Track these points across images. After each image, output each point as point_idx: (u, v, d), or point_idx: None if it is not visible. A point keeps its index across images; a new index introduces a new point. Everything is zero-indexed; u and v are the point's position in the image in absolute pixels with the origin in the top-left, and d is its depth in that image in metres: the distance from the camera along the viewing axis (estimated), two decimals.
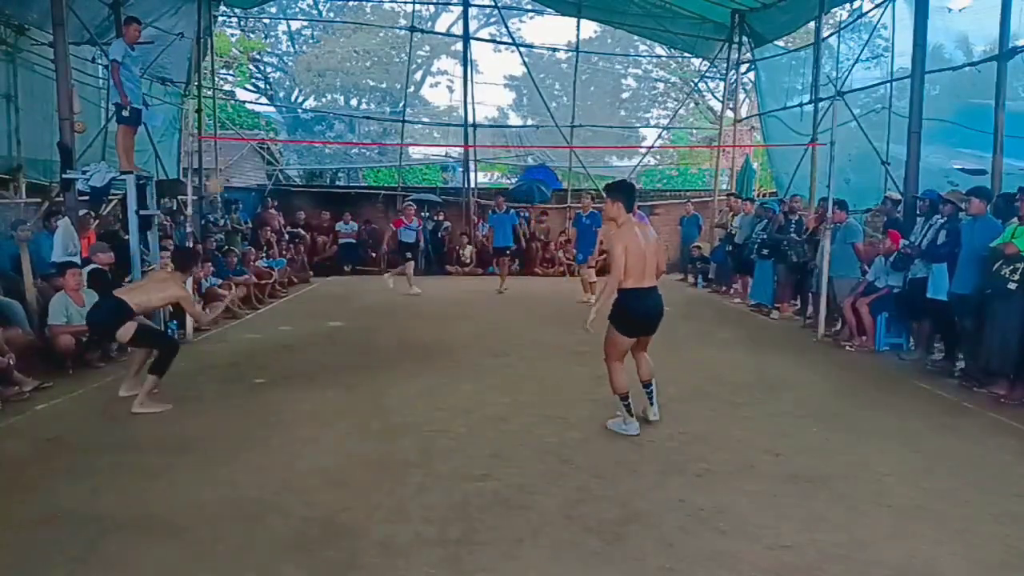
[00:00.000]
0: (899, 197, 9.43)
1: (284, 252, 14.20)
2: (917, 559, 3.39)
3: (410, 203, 14.11)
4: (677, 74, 26.28)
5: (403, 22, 24.03)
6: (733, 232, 12.25)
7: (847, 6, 13.97)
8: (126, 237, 8.41)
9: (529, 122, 25.26)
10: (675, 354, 7.79)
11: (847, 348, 8.24)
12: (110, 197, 9.39)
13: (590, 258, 11.50)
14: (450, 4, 20.47)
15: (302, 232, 15.86)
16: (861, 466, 4.56)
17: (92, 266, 7.45)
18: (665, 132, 22.45)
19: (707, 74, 19.21)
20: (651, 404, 5.36)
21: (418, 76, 28.76)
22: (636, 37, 22.82)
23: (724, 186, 17.06)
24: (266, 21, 24.74)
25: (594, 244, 11.46)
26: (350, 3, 24.47)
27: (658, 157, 22.72)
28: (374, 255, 16.28)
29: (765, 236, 10.69)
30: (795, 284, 10.38)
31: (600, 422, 5.43)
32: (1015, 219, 6.27)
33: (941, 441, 5.09)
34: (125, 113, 8.07)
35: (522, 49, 19.76)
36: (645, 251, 4.97)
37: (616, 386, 5.10)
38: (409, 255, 12.68)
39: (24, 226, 7.53)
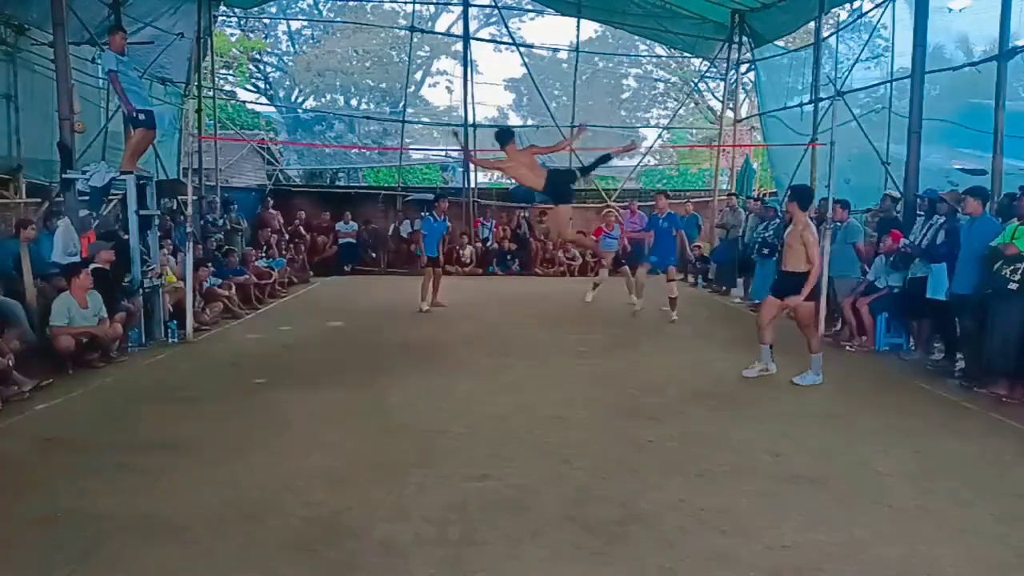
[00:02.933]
0: (898, 195, 9.44)
1: (284, 252, 14.20)
2: (917, 559, 3.39)
3: (611, 210, 13.38)
4: (677, 74, 26.28)
5: (403, 22, 24.03)
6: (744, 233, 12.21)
7: (847, 6, 13.98)
8: (126, 237, 8.42)
9: (529, 122, 25.26)
10: (675, 354, 7.80)
11: (847, 348, 8.24)
12: (110, 197, 9.40)
13: (673, 268, 10.45)
14: (450, 4, 20.47)
15: (302, 232, 15.87)
16: (861, 466, 4.56)
17: (93, 265, 7.46)
18: (665, 132, 22.46)
19: (707, 74, 19.21)
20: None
21: (418, 76, 28.72)
22: (636, 37, 22.81)
23: (724, 186, 17.06)
24: (266, 21, 24.74)
25: (673, 249, 10.64)
26: (350, 3, 24.48)
27: (658, 157, 22.73)
28: (374, 255, 16.29)
29: (767, 235, 10.70)
30: None
31: (600, 421, 5.43)
32: (1015, 219, 6.28)
33: (941, 441, 5.09)
34: (141, 117, 8.07)
35: (522, 49, 19.75)
36: None
37: (819, 344, 6.71)
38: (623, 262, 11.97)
39: (31, 226, 7.53)
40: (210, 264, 10.17)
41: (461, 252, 15.96)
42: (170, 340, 8.28)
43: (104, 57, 8.13)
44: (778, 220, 10.82)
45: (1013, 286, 5.98)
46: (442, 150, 25.86)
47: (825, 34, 13.64)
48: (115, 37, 8.04)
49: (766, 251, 10.64)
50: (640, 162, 20.55)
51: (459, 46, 20.30)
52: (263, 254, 13.00)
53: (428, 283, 10.90)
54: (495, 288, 13.54)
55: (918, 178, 9.06)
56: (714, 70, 17.85)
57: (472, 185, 17.51)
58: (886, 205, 9.22)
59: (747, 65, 16.42)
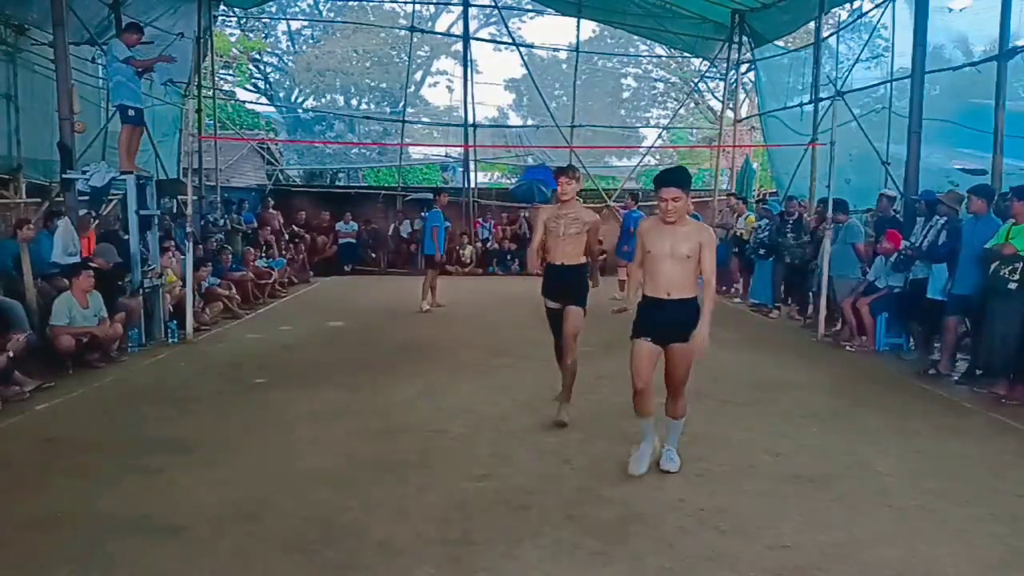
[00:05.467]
0: (894, 194, 9.45)
1: (284, 252, 14.20)
2: (917, 559, 3.39)
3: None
4: (677, 74, 26.30)
5: (403, 22, 24.04)
6: (739, 232, 12.23)
7: (847, 6, 13.98)
8: (126, 237, 8.42)
9: (529, 122, 25.28)
10: None
11: (847, 348, 8.23)
12: (110, 197, 9.40)
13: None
14: (450, 4, 20.47)
15: (302, 232, 15.87)
16: (861, 466, 4.56)
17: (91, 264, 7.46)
18: (665, 132, 22.47)
19: (707, 74, 19.21)
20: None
21: (418, 76, 28.78)
22: (636, 37, 22.82)
23: (724, 186, 17.06)
24: (266, 21, 24.74)
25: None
26: (350, 3, 24.49)
27: (658, 157, 22.73)
28: (374, 255, 16.29)
29: (765, 236, 10.75)
30: (795, 285, 10.39)
31: (600, 422, 5.42)
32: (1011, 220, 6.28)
33: (941, 441, 5.09)
34: (131, 113, 8.08)
35: (522, 49, 19.76)
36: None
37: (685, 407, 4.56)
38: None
39: (28, 225, 7.53)
40: (209, 264, 10.17)
41: (461, 252, 15.96)
42: (170, 340, 8.28)
43: (116, 46, 8.15)
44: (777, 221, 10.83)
45: (1012, 286, 5.98)
46: (442, 147, 25.89)
47: (825, 34, 13.63)
48: (131, 35, 8.08)
49: (763, 252, 10.70)
50: (640, 162, 20.57)
51: (459, 46, 20.33)
52: (263, 254, 13.00)
53: (433, 282, 10.79)
54: (495, 288, 13.53)
55: (918, 178, 9.05)
56: (714, 70, 17.85)
57: (472, 185, 17.51)
58: (883, 205, 9.22)
59: (747, 65, 16.42)
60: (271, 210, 15.45)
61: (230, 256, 11.29)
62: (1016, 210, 6.15)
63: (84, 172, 8.20)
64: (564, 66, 25.87)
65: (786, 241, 10.12)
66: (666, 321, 4.18)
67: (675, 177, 4.24)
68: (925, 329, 7.74)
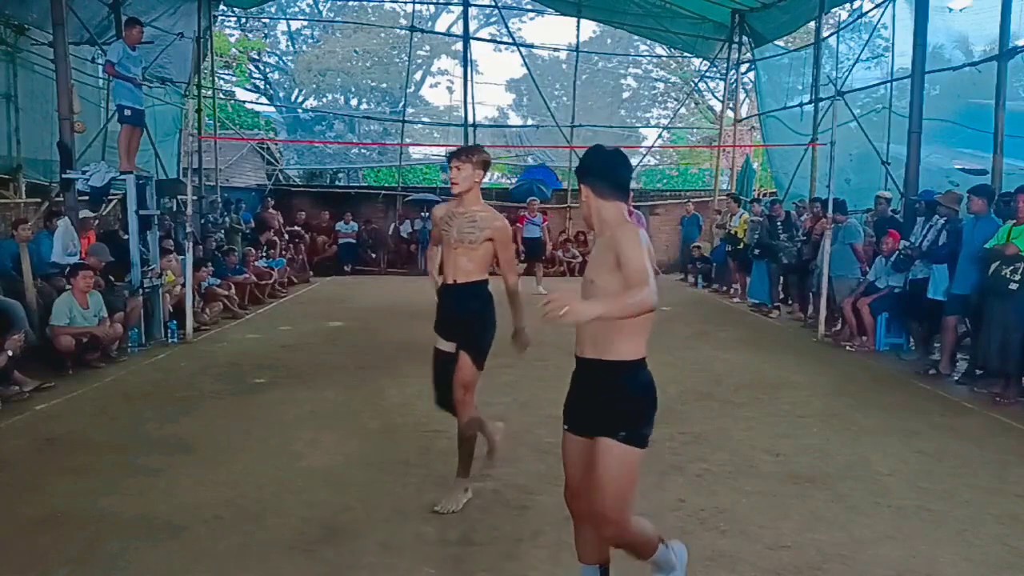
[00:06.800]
0: (889, 195, 9.47)
1: (284, 252, 14.20)
2: (917, 559, 3.38)
3: (534, 199, 14.41)
4: (677, 74, 26.29)
5: (403, 22, 24.06)
6: (733, 231, 12.25)
7: (847, 6, 13.99)
8: (126, 237, 8.41)
9: (529, 122, 25.28)
10: (675, 354, 7.78)
11: (847, 348, 8.23)
12: (110, 197, 9.39)
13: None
14: (450, 4, 20.47)
15: (301, 232, 15.87)
16: (861, 466, 4.56)
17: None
18: (665, 132, 22.46)
19: (707, 74, 19.22)
20: None
21: (418, 76, 28.79)
22: (636, 37, 22.83)
23: (724, 186, 17.07)
24: (266, 21, 24.74)
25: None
26: (350, 3, 24.50)
27: (658, 157, 22.74)
28: (374, 255, 16.29)
29: (757, 237, 10.82)
30: (795, 284, 10.40)
31: None
32: (1011, 220, 6.27)
33: (941, 441, 5.09)
34: (127, 113, 8.09)
35: (522, 49, 19.77)
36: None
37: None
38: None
39: (23, 225, 7.52)
40: (210, 264, 10.17)
41: None
42: (170, 340, 8.28)
43: (112, 47, 8.16)
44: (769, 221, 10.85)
45: (1013, 286, 5.98)
46: (442, 147, 25.88)
47: (825, 34, 13.64)
48: (132, 31, 8.11)
49: (757, 252, 10.73)
50: (640, 162, 20.58)
51: (459, 46, 20.33)
52: (263, 254, 13.00)
53: None
54: (494, 288, 13.52)
55: (918, 178, 9.07)
56: (714, 70, 17.86)
57: None
58: (881, 208, 9.23)
59: (747, 65, 16.43)
60: (271, 210, 15.45)
61: (236, 257, 11.29)
62: (1022, 209, 6.13)
63: (84, 172, 8.20)
64: (564, 66, 25.87)
65: (779, 243, 10.16)
66: (584, 396, 2.64)
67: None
68: (925, 329, 7.74)
